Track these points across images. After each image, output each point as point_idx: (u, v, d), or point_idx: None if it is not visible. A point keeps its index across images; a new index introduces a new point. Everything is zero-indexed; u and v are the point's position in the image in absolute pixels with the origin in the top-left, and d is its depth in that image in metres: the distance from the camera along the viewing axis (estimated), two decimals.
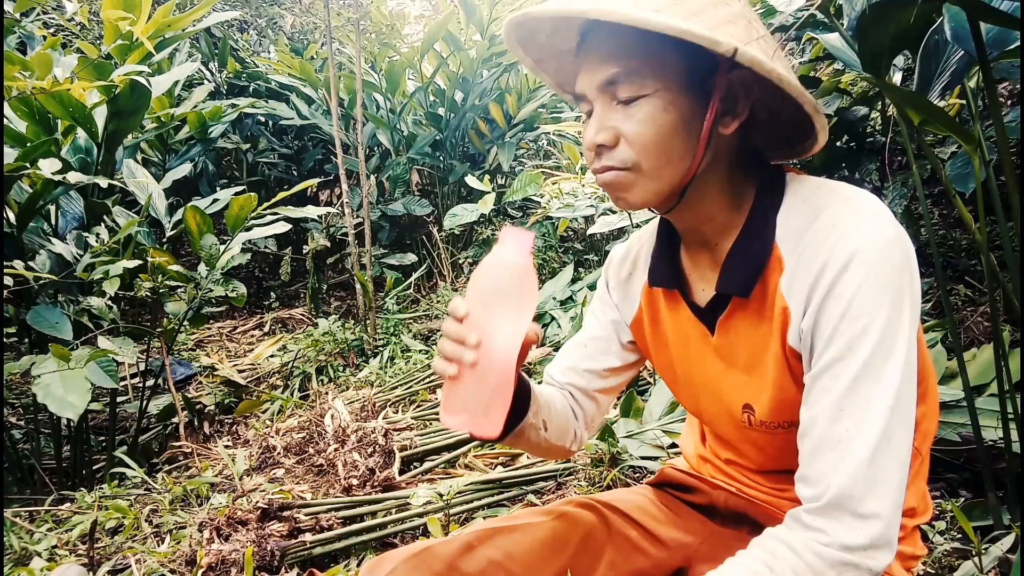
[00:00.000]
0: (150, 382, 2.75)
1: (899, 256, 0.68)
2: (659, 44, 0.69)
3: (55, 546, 1.73)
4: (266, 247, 4.20)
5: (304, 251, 3.92)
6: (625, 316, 0.95)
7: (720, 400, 0.86)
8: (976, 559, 1.21)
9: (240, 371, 3.18)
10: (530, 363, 2.65)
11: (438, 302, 3.57)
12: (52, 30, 4.05)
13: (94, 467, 2.47)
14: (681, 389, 0.93)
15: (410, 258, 4.08)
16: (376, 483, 1.90)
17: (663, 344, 0.91)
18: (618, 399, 2.15)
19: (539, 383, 0.99)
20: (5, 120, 2.22)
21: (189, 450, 2.37)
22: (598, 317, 0.99)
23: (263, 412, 2.74)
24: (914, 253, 0.71)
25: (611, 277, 0.97)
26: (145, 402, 2.58)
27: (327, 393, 2.60)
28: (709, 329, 0.82)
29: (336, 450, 2.04)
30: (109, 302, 2.34)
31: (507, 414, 0.72)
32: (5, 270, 2.03)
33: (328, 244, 3.95)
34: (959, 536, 1.31)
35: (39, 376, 1.87)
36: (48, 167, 2.12)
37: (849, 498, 0.65)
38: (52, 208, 2.48)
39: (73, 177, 2.15)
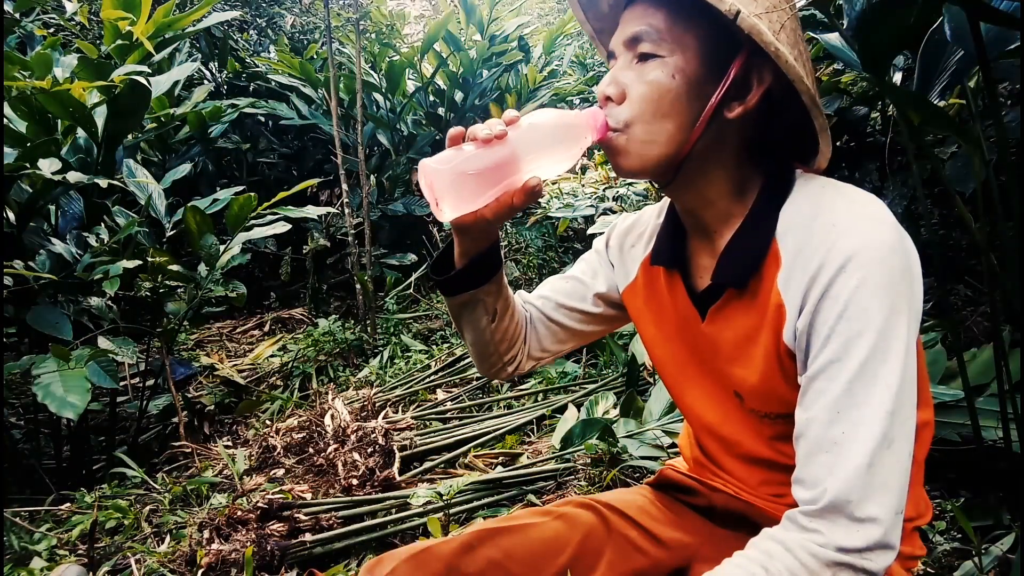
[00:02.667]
0: (150, 382, 2.75)
1: (899, 262, 0.68)
2: (687, 11, 0.71)
3: (55, 546, 1.73)
4: (266, 247, 4.20)
5: (304, 251, 3.92)
6: (619, 280, 0.96)
7: (711, 383, 0.86)
8: (976, 559, 1.21)
9: (240, 371, 3.18)
10: None
11: (438, 302, 3.57)
12: (52, 30, 4.04)
13: (94, 467, 2.47)
14: (668, 370, 0.93)
15: (410, 258, 4.08)
16: (376, 483, 1.90)
17: (655, 321, 0.91)
18: (618, 399, 2.15)
19: None
20: (5, 120, 2.21)
21: (189, 450, 2.37)
22: (590, 263, 1.00)
23: (263, 412, 2.74)
24: (918, 263, 0.70)
25: (612, 240, 0.98)
26: (145, 402, 2.58)
27: (327, 393, 2.60)
28: (701, 315, 0.83)
29: (336, 450, 2.04)
30: (109, 302, 2.34)
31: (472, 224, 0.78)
32: (5, 270, 2.03)
33: (328, 244, 3.94)
34: (959, 536, 1.31)
35: (39, 376, 1.86)
36: (48, 167, 2.11)
37: (846, 502, 0.65)
38: (52, 208, 2.48)
39: (73, 177, 2.15)
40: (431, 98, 4.36)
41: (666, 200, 0.90)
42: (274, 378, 3.10)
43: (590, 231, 3.00)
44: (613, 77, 0.76)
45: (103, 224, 2.45)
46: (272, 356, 3.33)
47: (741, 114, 0.73)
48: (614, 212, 2.88)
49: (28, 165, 2.08)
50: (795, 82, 0.69)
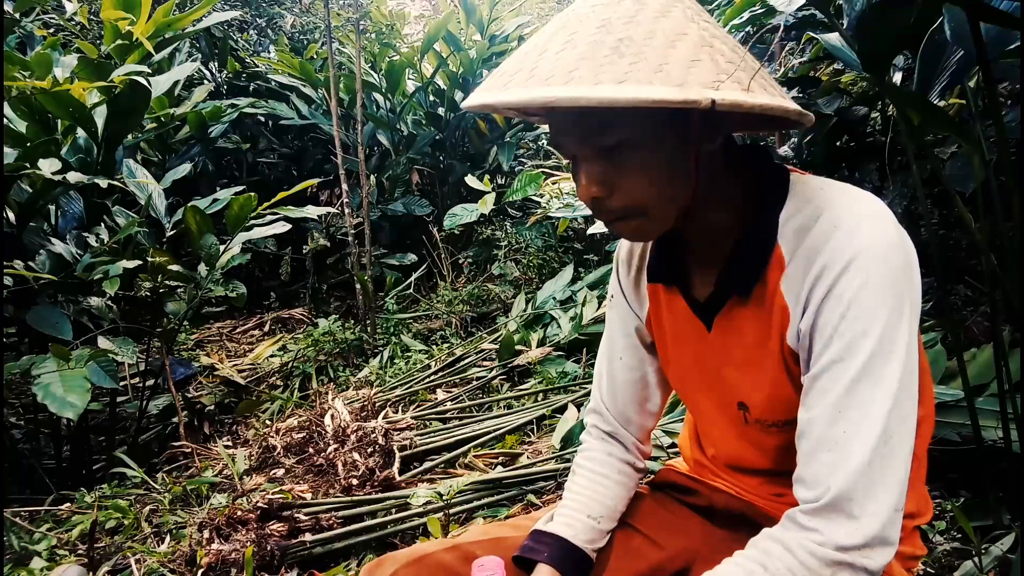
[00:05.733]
0: (150, 382, 2.75)
1: (900, 259, 0.68)
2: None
3: (55, 546, 1.73)
4: (266, 247, 4.20)
5: (304, 251, 3.92)
6: (641, 315, 0.94)
7: (715, 397, 0.86)
8: (976, 559, 1.21)
9: (240, 371, 3.18)
10: (530, 363, 2.65)
11: (438, 302, 3.57)
12: (52, 30, 4.04)
13: (94, 467, 2.47)
14: (679, 385, 0.92)
15: (410, 258, 4.08)
16: (376, 483, 1.90)
17: (664, 339, 0.90)
18: None
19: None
20: (5, 120, 2.21)
21: (189, 450, 2.37)
22: (618, 325, 0.97)
23: (263, 412, 2.74)
24: (916, 258, 0.70)
25: (621, 278, 0.96)
26: (145, 402, 2.58)
27: (327, 393, 2.60)
28: (706, 325, 0.82)
29: (336, 450, 2.04)
30: (109, 302, 2.34)
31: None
32: (5, 270, 2.03)
33: (328, 244, 3.94)
34: (959, 536, 1.31)
35: (39, 376, 1.87)
36: (48, 167, 2.11)
37: (847, 500, 0.65)
38: (52, 208, 2.48)
39: (73, 177, 2.15)
40: (431, 98, 4.36)
41: None
42: (274, 378, 3.10)
43: (590, 231, 3.00)
44: (591, 177, 0.70)
45: (103, 224, 2.45)
46: (272, 356, 3.33)
47: (723, 141, 0.72)
48: None
49: (28, 165, 2.08)
50: (783, 115, 0.66)
